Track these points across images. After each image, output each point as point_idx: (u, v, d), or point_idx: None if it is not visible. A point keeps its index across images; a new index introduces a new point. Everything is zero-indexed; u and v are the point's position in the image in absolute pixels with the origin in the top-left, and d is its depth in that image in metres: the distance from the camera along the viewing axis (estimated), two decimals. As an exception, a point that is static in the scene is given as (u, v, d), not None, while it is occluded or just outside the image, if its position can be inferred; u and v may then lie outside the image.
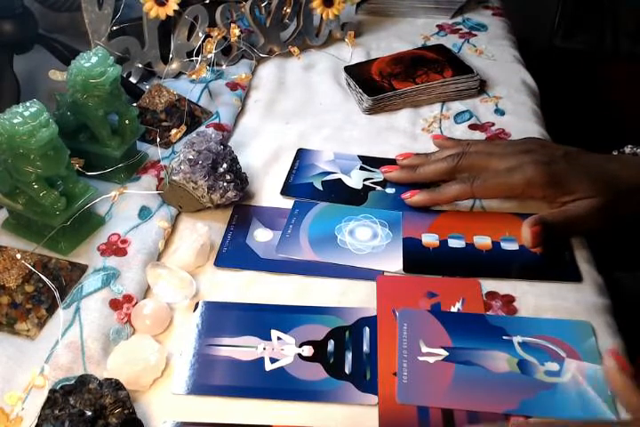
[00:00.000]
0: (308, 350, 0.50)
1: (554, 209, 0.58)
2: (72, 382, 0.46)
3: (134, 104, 0.71)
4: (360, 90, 0.77)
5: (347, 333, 0.51)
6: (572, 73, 1.35)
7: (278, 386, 0.48)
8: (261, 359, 0.50)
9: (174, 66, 0.81)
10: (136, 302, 0.54)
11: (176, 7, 0.76)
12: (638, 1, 1.28)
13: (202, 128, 0.72)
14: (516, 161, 0.59)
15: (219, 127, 0.73)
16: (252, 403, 0.47)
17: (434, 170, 0.62)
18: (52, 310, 0.53)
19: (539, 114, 0.77)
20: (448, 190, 0.61)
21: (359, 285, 0.56)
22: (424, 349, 0.50)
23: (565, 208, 0.57)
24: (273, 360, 0.50)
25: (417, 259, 0.58)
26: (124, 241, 0.58)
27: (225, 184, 0.59)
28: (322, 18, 0.88)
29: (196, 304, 0.54)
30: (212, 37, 0.79)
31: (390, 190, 0.65)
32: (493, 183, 0.59)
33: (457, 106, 0.78)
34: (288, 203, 0.64)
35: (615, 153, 0.63)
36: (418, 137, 0.73)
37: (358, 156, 0.70)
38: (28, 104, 0.51)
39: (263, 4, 0.83)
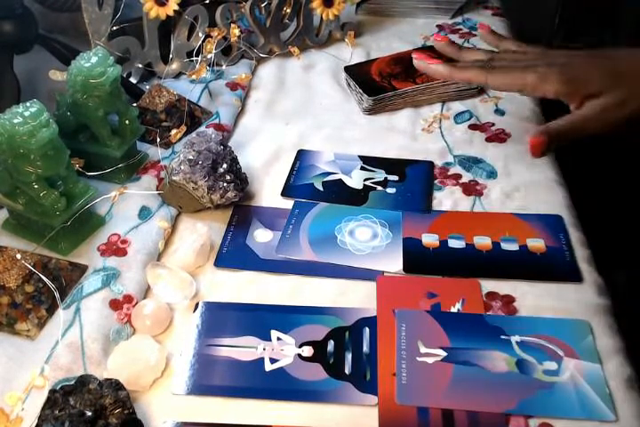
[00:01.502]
0: (307, 351, 0.50)
1: (573, 109, 0.57)
2: (72, 382, 0.46)
3: (134, 104, 0.71)
4: (360, 90, 0.77)
5: (347, 333, 0.51)
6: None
7: (278, 386, 0.48)
8: (261, 360, 0.50)
9: (174, 66, 0.81)
10: (136, 303, 0.54)
11: (176, 7, 0.76)
12: (638, 1, 1.28)
13: (202, 128, 0.73)
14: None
15: (219, 127, 0.73)
16: (252, 403, 0.47)
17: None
18: (52, 310, 0.53)
19: (539, 114, 0.77)
20: (465, 73, 0.61)
21: (359, 285, 0.56)
22: (422, 349, 0.50)
23: (571, 116, 0.57)
24: (273, 361, 0.50)
25: (417, 259, 0.58)
26: (124, 241, 0.58)
27: (225, 184, 0.59)
28: (322, 18, 0.88)
29: (196, 304, 0.54)
30: (211, 37, 0.80)
31: (391, 190, 0.65)
32: (508, 77, 0.58)
33: (457, 106, 0.78)
34: (288, 203, 0.64)
35: None
36: (418, 137, 0.73)
37: (359, 156, 0.70)
38: (28, 104, 0.51)
39: (263, 4, 0.83)
